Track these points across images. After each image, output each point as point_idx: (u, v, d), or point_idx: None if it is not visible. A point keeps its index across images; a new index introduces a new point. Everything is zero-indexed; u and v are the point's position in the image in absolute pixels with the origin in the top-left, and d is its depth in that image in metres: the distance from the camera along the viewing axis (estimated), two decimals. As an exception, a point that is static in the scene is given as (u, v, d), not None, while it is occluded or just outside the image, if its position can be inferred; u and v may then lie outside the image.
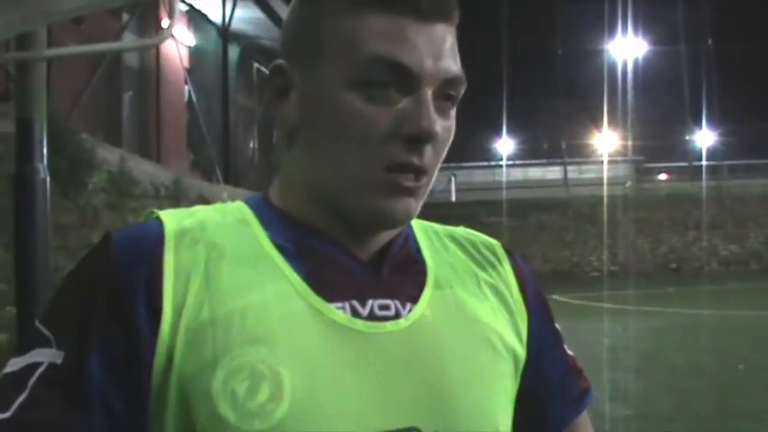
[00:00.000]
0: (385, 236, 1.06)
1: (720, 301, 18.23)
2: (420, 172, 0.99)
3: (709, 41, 37.51)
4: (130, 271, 0.96)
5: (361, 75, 0.96)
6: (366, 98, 0.97)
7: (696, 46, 37.55)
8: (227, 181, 17.92)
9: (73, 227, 8.79)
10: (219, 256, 0.99)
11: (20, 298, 2.82)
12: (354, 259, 1.03)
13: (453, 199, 32.12)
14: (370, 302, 1.00)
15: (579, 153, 39.64)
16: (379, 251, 1.06)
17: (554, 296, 21.49)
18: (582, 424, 1.20)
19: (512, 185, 33.53)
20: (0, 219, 5.72)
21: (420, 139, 0.96)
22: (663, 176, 40.07)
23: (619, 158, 37.81)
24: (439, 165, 1.02)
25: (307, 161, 1.03)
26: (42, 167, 2.80)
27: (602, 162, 35.22)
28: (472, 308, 1.07)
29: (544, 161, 39.04)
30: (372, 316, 1.00)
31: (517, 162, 39.80)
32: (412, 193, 0.99)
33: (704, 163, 36.13)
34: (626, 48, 36.38)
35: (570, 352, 1.19)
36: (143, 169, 11.87)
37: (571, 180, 35.68)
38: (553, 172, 37.33)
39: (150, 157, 15.05)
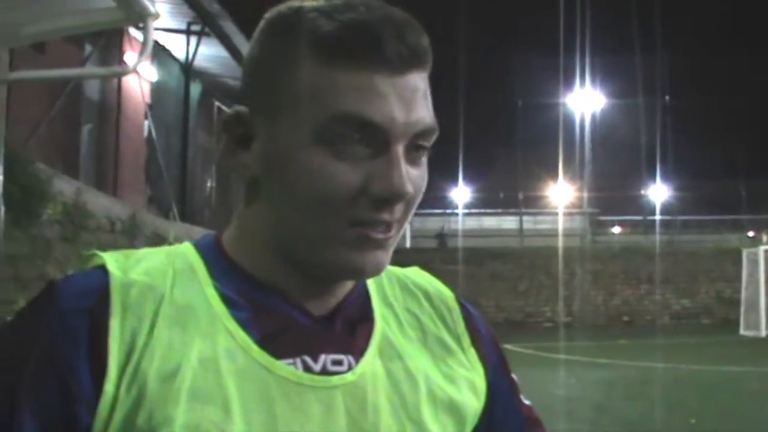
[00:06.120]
0: (342, 290, 1.03)
1: (671, 355, 18.33)
2: (389, 226, 0.95)
3: (666, 97, 38.29)
4: (73, 326, 0.91)
5: (327, 132, 0.91)
6: (333, 154, 0.91)
7: (653, 102, 38.35)
8: (183, 218, 17.76)
9: (25, 258, 8.62)
10: (165, 309, 0.94)
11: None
12: (305, 314, 1.00)
13: (408, 245, 32.13)
14: (322, 357, 0.98)
15: (535, 204, 40.04)
16: (335, 305, 1.03)
17: (507, 345, 21.48)
18: None
19: (468, 234, 33.75)
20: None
21: (390, 200, 0.93)
22: (617, 229, 40.54)
23: (574, 210, 38.21)
24: (412, 215, 0.99)
25: (269, 214, 0.98)
26: (-5, 195, 2.72)
27: (557, 213, 35.54)
28: (417, 363, 1.04)
29: (499, 210, 39.41)
30: (324, 371, 0.97)
31: (473, 211, 40.10)
32: (382, 245, 0.96)
33: (658, 217, 36.64)
34: (584, 101, 36.94)
35: (527, 402, 1.17)
36: (99, 202, 11.73)
37: (526, 230, 36.00)
38: (509, 222, 37.69)
39: (107, 190, 14.89)
